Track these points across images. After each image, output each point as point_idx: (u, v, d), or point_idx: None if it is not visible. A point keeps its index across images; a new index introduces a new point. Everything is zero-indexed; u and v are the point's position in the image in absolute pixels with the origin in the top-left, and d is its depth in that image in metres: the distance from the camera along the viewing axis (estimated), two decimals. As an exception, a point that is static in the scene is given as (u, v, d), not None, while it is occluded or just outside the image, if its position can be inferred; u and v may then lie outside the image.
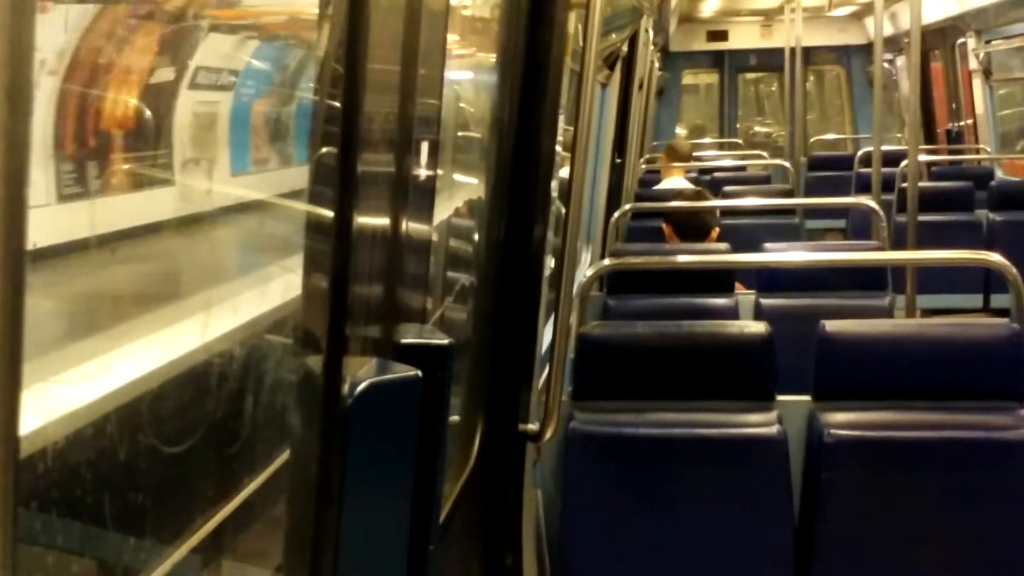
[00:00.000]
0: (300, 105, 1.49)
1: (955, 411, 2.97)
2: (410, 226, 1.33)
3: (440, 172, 1.62)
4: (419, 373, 1.18)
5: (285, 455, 1.21)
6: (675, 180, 8.24)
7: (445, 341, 1.29)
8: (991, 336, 3.09)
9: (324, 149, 1.19)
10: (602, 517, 2.98)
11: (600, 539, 2.98)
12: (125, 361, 1.06)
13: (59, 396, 0.92)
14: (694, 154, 10.36)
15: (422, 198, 1.41)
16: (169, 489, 1.16)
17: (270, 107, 1.49)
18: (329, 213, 1.12)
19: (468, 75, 2.41)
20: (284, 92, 1.49)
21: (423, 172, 1.39)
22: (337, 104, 1.12)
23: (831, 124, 15.32)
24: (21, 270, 0.44)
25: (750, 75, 15.86)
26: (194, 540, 1.17)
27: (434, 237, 1.65)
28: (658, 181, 8.61)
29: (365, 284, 1.21)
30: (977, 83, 10.32)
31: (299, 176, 1.51)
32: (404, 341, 1.28)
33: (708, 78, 15.80)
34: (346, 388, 1.09)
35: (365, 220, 1.19)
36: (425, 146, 1.38)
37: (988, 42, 10.03)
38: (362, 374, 1.12)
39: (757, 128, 16.22)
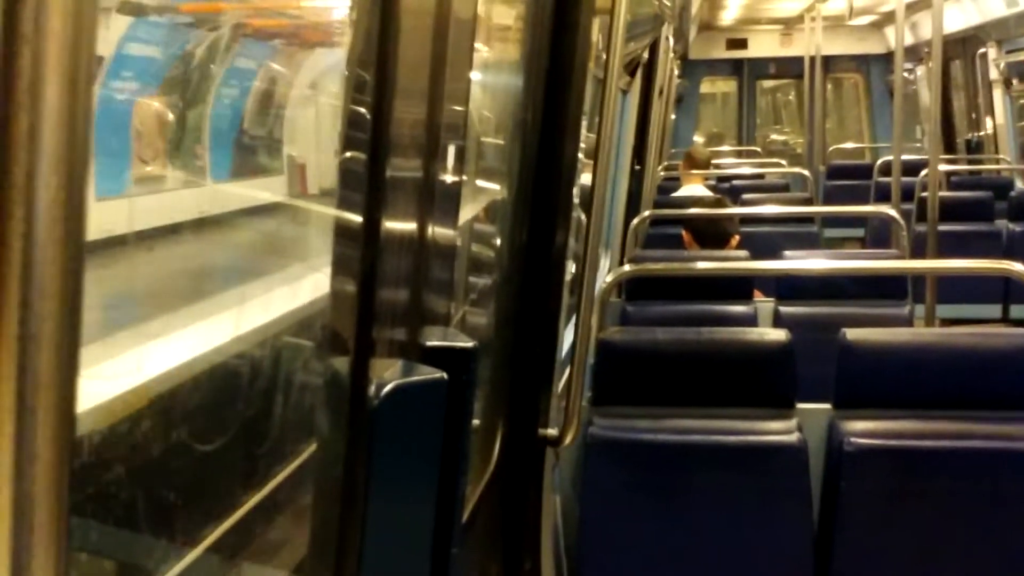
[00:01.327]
0: (220, 104, 1.26)
1: (975, 421, 2.96)
2: (436, 230, 1.34)
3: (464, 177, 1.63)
4: (444, 375, 1.19)
5: (311, 454, 1.23)
6: (694, 187, 8.24)
7: (470, 344, 1.30)
8: (1012, 346, 3.09)
9: (352, 154, 1.20)
10: (620, 523, 2.99)
11: (618, 545, 2.99)
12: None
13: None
14: (713, 162, 10.36)
15: (448, 202, 1.42)
16: (197, 485, 1.18)
17: (167, 107, 1.22)
18: (357, 217, 1.13)
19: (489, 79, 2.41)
20: (191, 87, 1.21)
21: (449, 177, 1.40)
22: (365, 110, 1.13)
23: (848, 133, 15.30)
24: (80, 255, 0.45)
25: (766, 83, 15.85)
26: (220, 535, 1.18)
27: (458, 241, 1.66)
28: (676, 188, 8.60)
29: (392, 287, 1.22)
30: (997, 93, 10.30)
31: (215, 197, 1.28)
32: (429, 344, 1.29)
33: (724, 86, 15.79)
34: (372, 389, 1.10)
35: (392, 224, 1.20)
36: (451, 151, 1.39)
37: (1009, 52, 9.99)
38: (388, 376, 1.13)
39: (774, 136, 16.20)
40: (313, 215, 1.65)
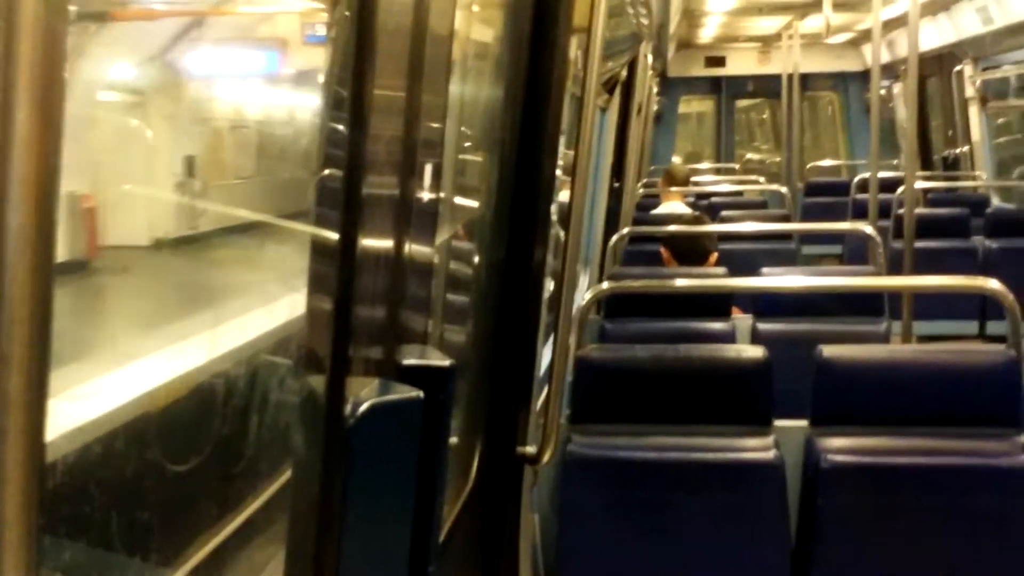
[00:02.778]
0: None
1: (952, 437, 2.98)
2: (413, 248, 1.34)
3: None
4: (421, 394, 1.19)
5: (287, 474, 1.22)
6: (673, 204, 8.26)
7: (447, 362, 1.30)
8: (988, 363, 3.10)
9: (328, 171, 1.19)
10: (598, 541, 2.98)
11: (596, 563, 2.98)
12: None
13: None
14: (692, 179, 10.40)
15: (425, 220, 1.42)
16: (172, 507, 1.17)
17: None
18: (333, 235, 1.13)
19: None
20: None
21: (426, 194, 1.40)
22: (341, 127, 1.13)
23: (825, 150, 15.37)
24: (49, 279, 0.45)
25: (741, 103, 15.89)
26: (196, 557, 1.17)
27: (435, 259, 1.66)
28: (655, 205, 8.63)
29: (368, 305, 1.22)
30: (973, 110, 10.38)
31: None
32: (406, 362, 1.29)
33: (700, 106, 15.85)
34: (348, 408, 1.10)
35: (369, 241, 1.20)
36: (428, 168, 1.39)
37: (985, 70, 10.08)
38: (364, 395, 1.13)
39: (750, 155, 16.22)
40: (108, 285, 1.31)
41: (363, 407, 1.09)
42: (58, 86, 0.45)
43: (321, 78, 1.16)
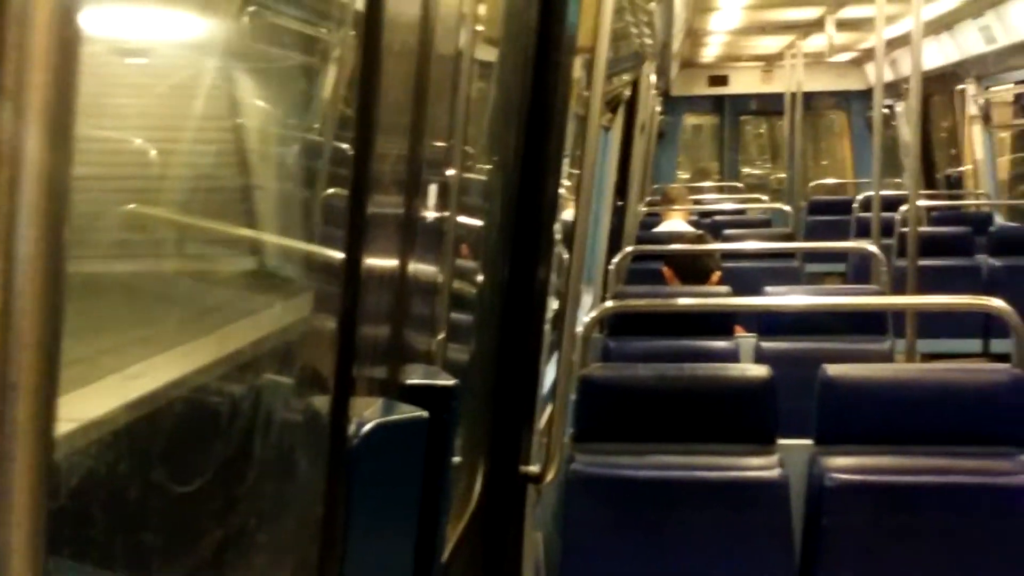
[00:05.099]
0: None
1: (956, 456, 2.97)
2: (417, 267, 1.34)
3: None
4: (425, 414, 1.19)
5: (290, 494, 1.22)
6: (675, 223, 8.27)
7: (451, 382, 1.30)
8: (992, 382, 3.10)
9: (333, 190, 1.19)
10: (602, 559, 2.97)
11: None
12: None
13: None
14: (694, 197, 10.42)
15: (429, 239, 1.42)
16: (170, 529, 1.16)
17: None
18: (338, 254, 1.13)
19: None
20: None
21: (431, 213, 1.40)
22: (347, 146, 1.13)
23: (828, 169, 15.37)
24: (59, 305, 0.45)
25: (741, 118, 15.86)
26: (197, 578, 1.16)
27: (439, 277, 1.66)
28: (658, 224, 8.63)
29: (372, 325, 1.22)
30: (976, 129, 10.39)
31: None
32: (410, 382, 1.29)
33: (697, 120, 15.82)
34: (352, 428, 1.09)
35: (373, 261, 1.20)
36: (433, 188, 1.39)
37: (987, 88, 10.09)
38: (369, 414, 1.13)
39: (748, 169, 16.17)
40: None
41: (367, 427, 1.09)
42: (70, 113, 0.45)
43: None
